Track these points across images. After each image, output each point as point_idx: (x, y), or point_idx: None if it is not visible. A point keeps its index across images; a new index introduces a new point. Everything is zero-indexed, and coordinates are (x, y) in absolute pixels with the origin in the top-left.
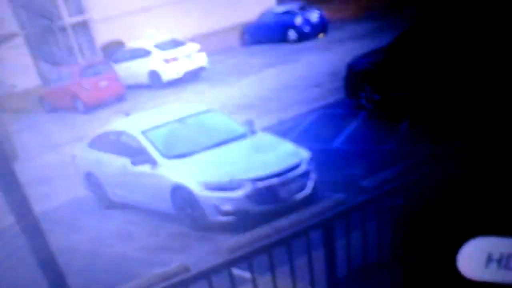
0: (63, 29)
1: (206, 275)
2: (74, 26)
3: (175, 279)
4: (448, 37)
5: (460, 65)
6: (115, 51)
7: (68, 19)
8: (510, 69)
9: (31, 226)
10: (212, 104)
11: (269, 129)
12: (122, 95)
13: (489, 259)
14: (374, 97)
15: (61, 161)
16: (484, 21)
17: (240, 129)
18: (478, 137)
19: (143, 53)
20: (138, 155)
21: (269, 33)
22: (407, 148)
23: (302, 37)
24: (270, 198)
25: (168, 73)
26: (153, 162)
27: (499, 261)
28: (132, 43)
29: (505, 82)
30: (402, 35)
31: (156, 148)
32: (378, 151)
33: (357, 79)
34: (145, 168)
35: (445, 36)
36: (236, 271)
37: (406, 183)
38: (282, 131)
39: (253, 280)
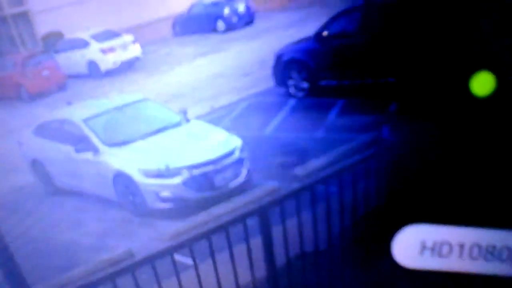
0: (3, 19)
1: (150, 261)
2: (15, 16)
3: (121, 265)
4: (375, 24)
5: (387, 51)
6: (55, 41)
7: (8, 10)
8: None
9: None
10: (147, 93)
11: (202, 117)
12: (64, 84)
13: (423, 247)
14: (303, 85)
15: (7, 148)
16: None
17: (175, 118)
18: (408, 125)
19: (82, 44)
20: (80, 142)
21: (199, 23)
22: (337, 135)
23: (230, 27)
24: (206, 185)
25: (106, 63)
26: (95, 150)
27: (432, 248)
28: (70, 34)
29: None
30: (328, 23)
31: (97, 136)
32: (309, 139)
33: (285, 68)
34: (87, 156)
35: (371, 23)
36: (178, 257)
37: (338, 171)
38: (215, 119)
39: (195, 266)
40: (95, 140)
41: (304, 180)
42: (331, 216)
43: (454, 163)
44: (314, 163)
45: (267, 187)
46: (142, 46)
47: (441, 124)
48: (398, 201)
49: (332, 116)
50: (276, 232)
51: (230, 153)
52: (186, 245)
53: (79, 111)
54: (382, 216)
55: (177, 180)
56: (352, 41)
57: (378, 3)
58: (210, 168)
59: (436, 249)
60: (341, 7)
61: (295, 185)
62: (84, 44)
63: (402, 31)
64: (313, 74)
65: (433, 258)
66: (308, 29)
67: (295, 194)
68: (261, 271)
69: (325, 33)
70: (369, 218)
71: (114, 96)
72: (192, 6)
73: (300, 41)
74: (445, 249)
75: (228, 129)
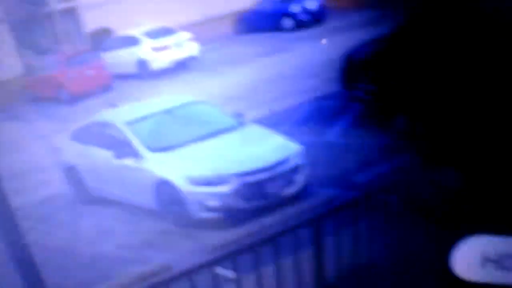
0: (49, 15)
1: (187, 274)
2: (61, 12)
3: (156, 279)
4: (456, 28)
5: (466, 58)
6: (103, 39)
7: (55, 5)
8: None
9: (7, 221)
10: (202, 95)
11: (260, 121)
12: (109, 85)
13: (485, 259)
14: (372, 89)
15: (44, 153)
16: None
17: (229, 121)
18: (476, 137)
19: (132, 41)
20: (121, 147)
21: (264, 21)
22: (404, 143)
23: (299, 25)
24: (258, 194)
25: (158, 62)
26: (137, 155)
27: (496, 261)
28: (121, 31)
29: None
30: (405, 23)
31: (141, 140)
32: (374, 145)
33: (355, 70)
34: (128, 162)
35: (452, 27)
36: (220, 270)
37: (400, 180)
38: (274, 123)
39: (237, 280)
40: (137, 145)
41: (364, 189)
42: (389, 227)
43: None
44: (377, 170)
45: (324, 196)
46: (201, 45)
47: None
48: (460, 210)
49: (400, 122)
50: (329, 244)
51: (286, 160)
52: (229, 257)
53: (122, 113)
54: (443, 226)
55: (226, 188)
56: (428, 43)
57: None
58: (262, 175)
59: (500, 262)
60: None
61: (354, 194)
62: (135, 41)
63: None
64: (384, 77)
65: (496, 271)
66: (382, 28)
67: (353, 204)
68: (309, 286)
69: (399, 33)
70: (427, 230)
71: (162, 97)
72: (258, 2)
73: (371, 42)
74: (510, 263)
75: (287, 134)
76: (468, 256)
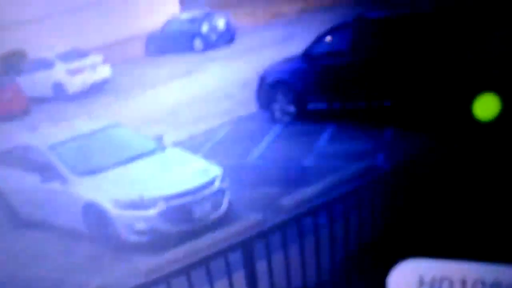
0: None
1: None
2: None
3: None
4: (368, 42)
5: (382, 72)
6: (16, 61)
7: None
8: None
9: None
10: (119, 118)
11: (179, 144)
12: (27, 108)
13: (421, 283)
14: (289, 109)
15: None
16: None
17: (150, 145)
18: (402, 152)
19: (46, 64)
20: (46, 171)
21: (175, 42)
22: (327, 163)
23: (209, 46)
24: (183, 217)
25: (73, 85)
26: (62, 179)
27: (431, 285)
28: (34, 54)
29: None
30: (317, 41)
31: (65, 164)
32: (296, 167)
33: (270, 90)
34: (54, 185)
35: (364, 41)
36: None
37: (328, 202)
38: (193, 146)
39: None
40: (62, 169)
41: (291, 211)
42: (320, 250)
43: (455, 193)
44: (302, 194)
45: (250, 219)
46: (112, 67)
47: (439, 150)
48: (393, 234)
49: (321, 142)
50: (261, 267)
51: (210, 183)
52: (162, 281)
53: (44, 137)
54: (376, 251)
55: (152, 211)
56: (343, 60)
57: (370, 19)
58: (188, 199)
59: (435, 286)
60: (331, 24)
61: (281, 217)
62: (49, 64)
63: (398, 49)
64: (301, 97)
65: None
66: (295, 47)
67: (281, 227)
68: None
69: (312, 52)
70: (362, 252)
71: (82, 121)
72: (167, 23)
73: (286, 61)
74: (445, 286)
75: (207, 157)
76: (404, 281)
